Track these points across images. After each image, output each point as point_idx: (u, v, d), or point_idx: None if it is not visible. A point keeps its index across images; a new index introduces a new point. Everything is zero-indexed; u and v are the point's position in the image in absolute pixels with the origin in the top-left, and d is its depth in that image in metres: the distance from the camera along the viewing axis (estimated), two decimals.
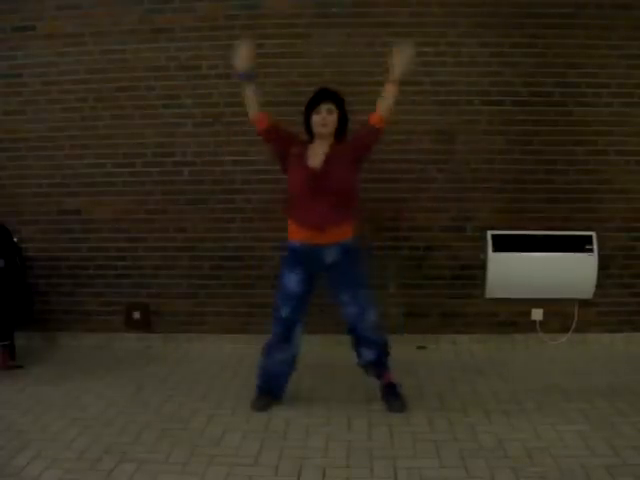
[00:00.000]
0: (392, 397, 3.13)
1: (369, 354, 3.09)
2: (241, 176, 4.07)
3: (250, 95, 2.97)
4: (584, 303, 4.03)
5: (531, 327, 4.08)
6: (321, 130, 2.93)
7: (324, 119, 2.91)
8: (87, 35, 4.01)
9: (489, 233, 3.94)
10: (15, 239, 3.88)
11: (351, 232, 3.01)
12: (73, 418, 3.02)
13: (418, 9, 3.89)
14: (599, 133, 3.93)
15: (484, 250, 3.97)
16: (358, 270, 3.03)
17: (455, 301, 4.10)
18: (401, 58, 2.87)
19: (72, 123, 4.09)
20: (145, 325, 4.23)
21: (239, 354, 3.99)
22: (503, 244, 3.91)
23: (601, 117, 3.92)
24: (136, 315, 4.21)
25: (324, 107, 2.91)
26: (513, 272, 3.89)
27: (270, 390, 3.17)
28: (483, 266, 3.99)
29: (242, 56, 2.90)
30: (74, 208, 4.17)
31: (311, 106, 2.95)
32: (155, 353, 4.09)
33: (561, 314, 4.07)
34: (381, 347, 3.11)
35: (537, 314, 4.07)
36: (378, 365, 3.14)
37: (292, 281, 2.99)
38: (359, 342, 3.08)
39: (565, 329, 4.06)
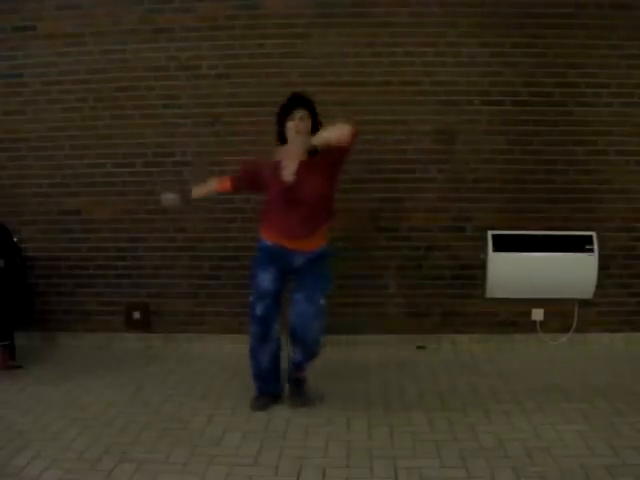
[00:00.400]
0: (297, 391, 3.17)
1: (298, 355, 3.12)
2: None
3: (200, 193, 3.19)
4: (584, 303, 4.03)
5: (531, 327, 4.08)
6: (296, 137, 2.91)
7: (297, 126, 2.90)
8: (87, 35, 4.01)
9: (489, 233, 3.94)
10: (15, 239, 3.88)
11: (323, 241, 3.04)
12: (73, 418, 3.02)
13: (418, 9, 3.89)
14: (599, 133, 3.93)
15: (484, 250, 3.97)
16: (321, 274, 3.04)
17: (455, 301, 4.10)
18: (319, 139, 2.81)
19: (72, 123, 4.09)
20: (145, 325, 4.23)
21: (239, 354, 3.97)
22: (503, 244, 3.90)
23: (601, 117, 3.92)
24: (136, 315, 4.21)
25: (297, 114, 2.90)
26: (513, 272, 3.89)
27: (269, 390, 3.17)
28: (483, 266, 3.99)
29: (168, 199, 3.16)
30: (74, 208, 4.17)
31: (284, 113, 2.94)
32: (155, 353, 4.09)
33: (561, 314, 4.06)
34: (312, 355, 3.12)
35: (537, 314, 4.07)
36: (301, 365, 3.17)
37: (265, 280, 3.01)
38: (297, 343, 3.07)
39: (565, 329, 4.06)
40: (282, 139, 3.00)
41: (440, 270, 4.07)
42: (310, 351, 3.11)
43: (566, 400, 3.17)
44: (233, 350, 4.06)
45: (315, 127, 2.96)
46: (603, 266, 3.90)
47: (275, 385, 3.20)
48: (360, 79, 3.93)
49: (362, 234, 4.01)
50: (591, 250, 3.85)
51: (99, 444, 2.74)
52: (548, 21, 3.86)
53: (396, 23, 3.90)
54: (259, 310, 3.03)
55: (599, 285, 3.91)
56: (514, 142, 3.97)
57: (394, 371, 3.28)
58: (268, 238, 3.03)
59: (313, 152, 2.91)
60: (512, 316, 4.10)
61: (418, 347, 4.07)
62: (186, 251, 4.16)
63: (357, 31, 3.92)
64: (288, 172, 2.93)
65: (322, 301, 3.02)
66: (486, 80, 3.94)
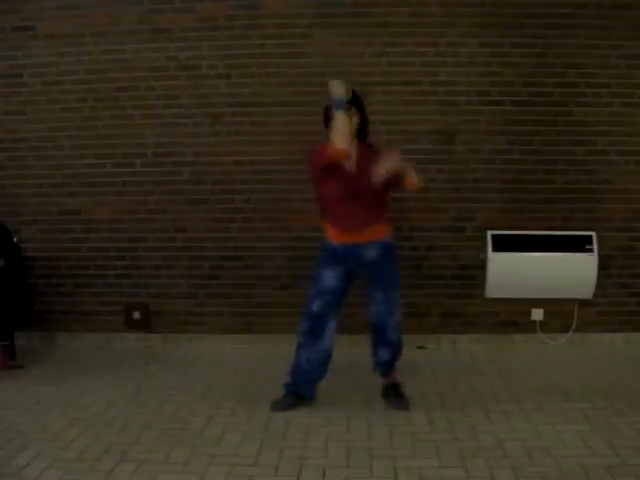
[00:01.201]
0: (396, 395, 3.15)
1: (385, 354, 3.11)
2: (241, 176, 4.07)
3: (343, 125, 2.78)
4: (584, 303, 4.03)
5: (531, 327, 4.08)
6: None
7: (345, 120, 2.85)
8: (87, 35, 4.01)
9: (489, 233, 3.94)
10: (15, 239, 3.88)
11: (388, 230, 3.05)
12: (73, 418, 3.02)
13: (418, 9, 3.89)
14: (599, 133, 3.93)
15: (484, 250, 3.97)
16: (394, 270, 3.06)
17: (455, 301, 4.10)
18: (391, 162, 2.77)
19: (72, 123, 4.09)
20: (145, 325, 4.23)
21: (239, 354, 3.99)
22: (503, 244, 3.90)
23: (601, 117, 3.92)
24: (136, 315, 4.21)
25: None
26: (513, 272, 3.88)
27: (298, 390, 3.14)
28: (483, 266, 3.99)
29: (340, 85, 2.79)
30: (74, 208, 4.17)
31: (331, 111, 2.91)
32: (155, 353, 4.09)
33: (561, 314, 4.06)
34: (398, 349, 3.14)
35: (537, 314, 4.07)
36: (389, 365, 3.16)
37: (329, 277, 2.99)
38: (380, 341, 3.09)
39: (565, 329, 4.06)
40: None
41: (440, 270, 4.07)
42: (396, 346, 3.11)
43: (566, 400, 3.17)
44: (233, 350, 4.07)
45: (364, 125, 2.98)
46: (603, 266, 3.90)
47: (307, 387, 3.14)
48: (360, 79, 3.92)
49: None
50: (591, 250, 3.85)
51: (99, 444, 2.74)
52: (548, 21, 3.86)
53: (396, 23, 3.90)
54: (316, 306, 3.01)
55: (599, 285, 3.91)
56: (514, 142, 3.97)
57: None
58: (335, 239, 2.99)
59: (362, 139, 2.98)
60: (512, 316, 4.10)
61: (418, 347, 4.07)
62: (186, 251, 4.16)
63: (357, 31, 3.92)
64: (349, 162, 2.92)
65: (398, 297, 3.05)
66: (486, 80, 3.94)
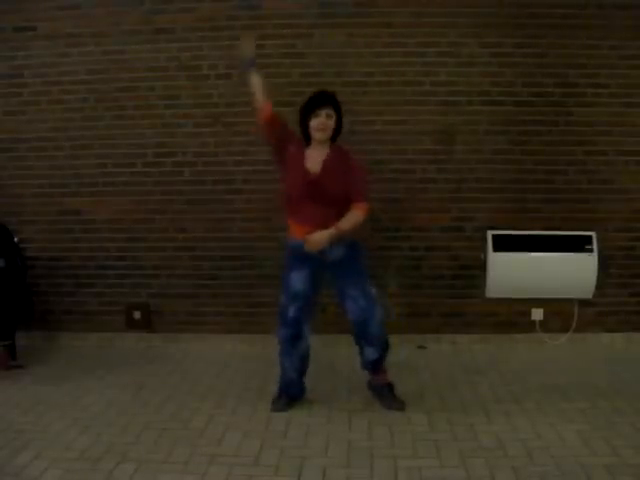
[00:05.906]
0: (390, 396, 3.14)
1: (372, 352, 3.08)
2: (241, 176, 4.07)
3: (257, 83, 2.97)
4: (584, 303, 4.03)
5: (531, 327, 4.08)
6: (319, 135, 2.88)
7: (323, 124, 2.85)
8: (88, 35, 4.02)
9: (489, 233, 3.95)
10: (15, 239, 3.88)
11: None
12: (74, 418, 3.02)
13: (418, 9, 3.89)
14: (599, 133, 3.94)
15: (484, 250, 3.97)
16: (362, 266, 3.03)
17: (455, 301, 4.10)
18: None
19: (72, 123, 4.10)
20: (145, 325, 4.23)
21: (239, 354, 3.99)
22: (503, 244, 3.91)
23: (601, 117, 3.92)
24: (136, 315, 4.21)
25: (323, 111, 2.85)
26: (513, 272, 3.89)
27: (291, 393, 3.15)
28: (483, 266, 3.99)
29: (246, 46, 2.95)
30: (74, 208, 4.17)
31: (309, 109, 2.88)
32: (155, 353, 4.09)
33: (561, 314, 4.07)
34: (383, 344, 3.10)
35: (537, 314, 4.07)
36: (378, 362, 3.13)
37: (297, 280, 2.97)
38: (364, 339, 3.06)
39: (565, 329, 4.07)
40: (306, 138, 2.93)
41: (440, 270, 4.07)
42: (382, 343, 3.08)
43: (566, 400, 3.18)
44: (233, 350, 4.07)
45: (339, 127, 2.93)
46: (603, 266, 3.90)
47: (297, 388, 3.16)
48: (360, 79, 3.93)
49: (362, 234, 4.01)
50: (591, 250, 3.86)
51: (100, 444, 2.74)
52: (548, 21, 3.86)
53: (396, 23, 3.91)
54: (291, 312, 2.98)
55: (599, 285, 3.91)
56: (514, 142, 3.97)
57: (394, 371, 3.28)
58: (299, 236, 2.92)
59: (334, 140, 2.94)
60: (512, 316, 4.10)
61: (419, 347, 4.07)
62: (186, 251, 4.16)
63: (357, 31, 3.92)
64: (313, 164, 2.90)
65: (373, 290, 3.02)
66: (486, 80, 3.94)
